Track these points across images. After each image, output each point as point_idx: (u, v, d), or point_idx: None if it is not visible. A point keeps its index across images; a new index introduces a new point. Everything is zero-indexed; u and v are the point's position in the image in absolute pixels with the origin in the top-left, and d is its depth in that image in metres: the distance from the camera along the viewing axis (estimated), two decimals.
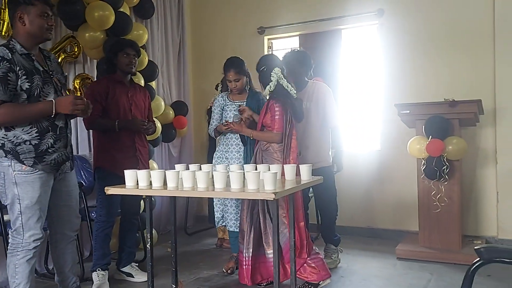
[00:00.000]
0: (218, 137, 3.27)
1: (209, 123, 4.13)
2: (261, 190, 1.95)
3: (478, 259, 1.15)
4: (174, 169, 2.36)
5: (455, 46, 3.97)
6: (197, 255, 3.84)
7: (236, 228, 3.12)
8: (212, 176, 2.11)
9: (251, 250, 2.86)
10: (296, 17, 4.62)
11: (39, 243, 2.26)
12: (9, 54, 2.14)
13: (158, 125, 4.05)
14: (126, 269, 3.16)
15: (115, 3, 3.43)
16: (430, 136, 3.40)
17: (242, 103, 3.19)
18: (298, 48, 4.14)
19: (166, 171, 2.20)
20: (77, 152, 3.68)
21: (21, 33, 2.22)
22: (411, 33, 4.14)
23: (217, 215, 3.20)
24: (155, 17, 4.49)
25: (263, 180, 1.99)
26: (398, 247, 3.63)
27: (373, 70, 4.46)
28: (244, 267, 2.89)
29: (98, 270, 2.97)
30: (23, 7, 2.18)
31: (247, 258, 2.87)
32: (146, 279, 3.03)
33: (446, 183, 3.47)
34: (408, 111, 3.61)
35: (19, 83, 2.14)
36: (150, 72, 3.80)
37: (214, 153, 3.25)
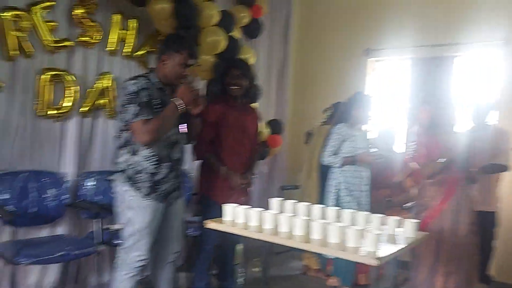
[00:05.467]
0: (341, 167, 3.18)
1: (307, 145, 4.10)
2: (362, 251, 1.84)
3: None
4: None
5: None
6: (282, 280, 3.81)
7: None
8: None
9: None
10: (406, 40, 4.35)
11: (143, 264, 2.42)
12: (147, 84, 2.35)
13: None
14: None
15: (227, 27, 3.52)
16: None
17: (364, 134, 3.24)
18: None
19: (262, 212, 2.20)
20: None
21: (160, 71, 2.43)
22: None
23: None
24: (261, 36, 4.54)
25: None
26: None
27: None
28: None
29: None
30: (170, 53, 2.37)
31: None
32: None
33: None
34: None
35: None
36: (254, 94, 3.83)
37: (340, 191, 3.16)
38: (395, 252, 1.93)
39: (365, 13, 4.68)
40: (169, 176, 2.43)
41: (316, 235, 2.00)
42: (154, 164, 2.37)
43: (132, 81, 2.34)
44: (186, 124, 2.58)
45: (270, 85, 4.83)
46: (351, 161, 3.15)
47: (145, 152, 2.35)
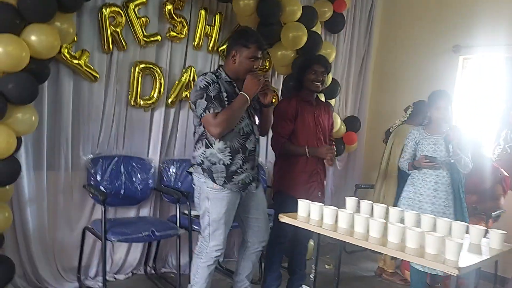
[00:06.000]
0: (411, 172, 3.05)
1: (386, 144, 3.97)
2: (441, 259, 1.77)
3: None
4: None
5: None
6: (355, 280, 3.77)
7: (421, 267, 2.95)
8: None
9: None
10: (501, 37, 4.02)
11: (219, 254, 2.53)
12: (216, 78, 2.44)
13: None
14: None
15: (309, 22, 3.51)
16: None
17: (438, 137, 2.94)
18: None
19: (338, 211, 2.19)
20: None
21: (229, 67, 2.50)
22: None
23: None
24: (343, 31, 4.47)
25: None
26: None
27: None
28: None
29: None
30: (239, 48, 2.44)
31: None
32: None
33: None
34: None
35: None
36: (332, 90, 3.80)
37: (404, 191, 3.07)
38: (477, 263, 1.83)
39: (454, 7, 4.39)
40: (244, 166, 2.49)
41: (393, 238, 1.96)
42: (228, 156, 2.44)
43: (201, 77, 2.44)
44: (258, 115, 2.64)
45: (349, 81, 4.73)
46: (412, 165, 2.98)
47: (219, 145, 2.44)
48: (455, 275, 1.69)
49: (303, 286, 3.16)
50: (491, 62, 4.27)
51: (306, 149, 2.90)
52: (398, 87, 4.72)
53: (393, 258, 3.76)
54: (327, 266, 3.92)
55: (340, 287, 3.42)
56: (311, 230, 2.24)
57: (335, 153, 3.00)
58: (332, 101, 4.08)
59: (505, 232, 2.10)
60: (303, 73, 2.98)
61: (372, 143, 4.83)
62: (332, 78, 3.90)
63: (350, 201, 2.43)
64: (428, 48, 4.58)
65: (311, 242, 3.95)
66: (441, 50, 4.46)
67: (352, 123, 4.59)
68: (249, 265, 2.73)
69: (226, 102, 2.41)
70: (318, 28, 3.73)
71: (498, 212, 3.42)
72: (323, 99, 3.72)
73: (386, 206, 2.36)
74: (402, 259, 3.80)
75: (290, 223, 2.31)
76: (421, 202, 2.91)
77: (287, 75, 3.74)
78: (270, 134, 2.98)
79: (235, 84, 2.50)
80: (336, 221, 2.20)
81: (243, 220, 2.65)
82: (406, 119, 3.82)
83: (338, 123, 4.16)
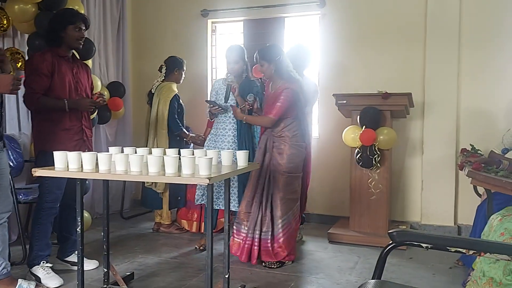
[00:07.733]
0: (213, 119, 3.46)
1: (150, 106, 4.05)
2: (196, 175, 1.96)
3: (391, 242, 1.24)
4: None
5: (389, 41, 4.16)
6: (133, 239, 3.79)
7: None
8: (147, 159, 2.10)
9: (258, 232, 3.10)
10: (240, 1, 4.60)
11: None
12: None
13: None
14: (71, 258, 2.99)
15: None
16: (364, 126, 3.56)
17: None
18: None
19: (98, 154, 2.15)
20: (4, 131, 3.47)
21: None
22: (350, 26, 4.28)
23: (198, 192, 3.40)
24: None
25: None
26: (330, 231, 3.80)
27: (313, 59, 4.54)
28: (254, 247, 3.11)
29: (43, 262, 2.76)
30: None
31: (256, 239, 3.10)
32: (93, 267, 3.01)
33: (377, 171, 3.67)
34: (345, 101, 3.75)
35: None
36: (86, 50, 3.62)
37: (208, 136, 3.48)
38: (225, 173, 2.10)
39: None
40: None
41: (153, 168, 2.04)
42: None
43: None
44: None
45: (107, 46, 4.60)
46: (212, 113, 3.42)
47: None
48: (207, 184, 1.89)
49: (76, 252, 3.00)
50: (235, 25, 4.83)
51: (66, 102, 2.73)
52: (157, 51, 4.85)
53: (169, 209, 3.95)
54: (103, 233, 3.81)
55: (117, 247, 3.43)
56: (73, 177, 2.13)
57: (104, 102, 2.96)
58: (90, 64, 3.89)
59: (247, 150, 2.46)
60: (63, 28, 2.77)
61: (139, 107, 4.87)
62: (86, 38, 3.71)
63: (112, 149, 2.42)
64: (180, 12, 4.85)
65: (86, 214, 3.78)
66: (191, 15, 4.80)
67: (116, 88, 4.50)
68: None
69: None
70: None
71: None
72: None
73: (148, 148, 2.45)
74: (178, 210, 4.05)
75: (46, 175, 2.13)
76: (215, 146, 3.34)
77: (31, 33, 3.37)
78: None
79: None
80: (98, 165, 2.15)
81: None
82: (164, 77, 4.00)
83: (99, 86, 4.02)
